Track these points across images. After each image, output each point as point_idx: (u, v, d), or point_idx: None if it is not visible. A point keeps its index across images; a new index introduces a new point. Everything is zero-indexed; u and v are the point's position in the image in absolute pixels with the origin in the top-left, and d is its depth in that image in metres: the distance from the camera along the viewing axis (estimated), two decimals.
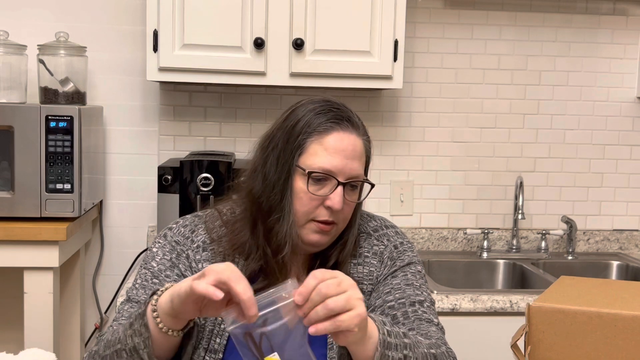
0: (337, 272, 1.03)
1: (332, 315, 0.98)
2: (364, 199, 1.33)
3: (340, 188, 1.25)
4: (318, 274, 1.01)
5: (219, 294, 0.97)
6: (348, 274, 1.33)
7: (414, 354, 1.11)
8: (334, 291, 0.99)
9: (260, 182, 1.28)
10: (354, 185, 1.28)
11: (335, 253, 1.33)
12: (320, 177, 1.25)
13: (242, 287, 0.97)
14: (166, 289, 1.09)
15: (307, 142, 1.26)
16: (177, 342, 1.11)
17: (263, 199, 1.27)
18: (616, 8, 2.68)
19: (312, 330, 0.98)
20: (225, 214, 1.35)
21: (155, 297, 1.09)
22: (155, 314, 1.07)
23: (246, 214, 1.31)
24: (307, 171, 1.25)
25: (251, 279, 1.26)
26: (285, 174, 1.26)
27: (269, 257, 1.28)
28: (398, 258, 1.36)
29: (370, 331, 1.07)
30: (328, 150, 1.25)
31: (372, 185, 1.33)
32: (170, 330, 1.07)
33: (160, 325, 1.07)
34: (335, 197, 1.24)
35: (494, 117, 2.66)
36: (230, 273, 0.98)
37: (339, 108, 1.29)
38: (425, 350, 1.15)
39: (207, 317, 1.07)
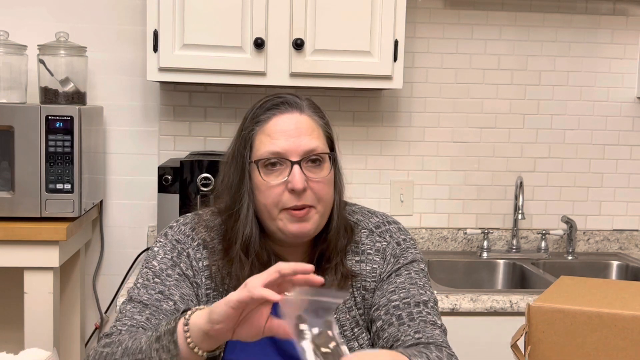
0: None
1: None
2: (331, 171, 1.29)
3: (296, 167, 1.23)
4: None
5: (276, 295, 0.99)
6: (349, 267, 1.33)
7: None
8: None
9: (227, 185, 1.31)
10: (315, 160, 1.26)
11: (327, 242, 1.31)
12: (272, 163, 1.24)
13: (294, 264, 1.02)
14: (199, 309, 1.08)
15: (253, 136, 1.27)
16: None
17: (231, 199, 1.30)
18: (616, 8, 2.68)
19: None
20: (223, 212, 1.35)
21: (187, 313, 1.08)
22: (187, 332, 1.06)
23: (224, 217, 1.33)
24: (254, 160, 1.25)
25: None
26: (240, 174, 1.28)
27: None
28: (401, 255, 1.36)
29: None
30: (272, 136, 1.25)
31: (334, 156, 1.29)
32: (200, 350, 1.06)
33: (190, 344, 1.06)
34: (294, 178, 1.23)
35: (494, 117, 2.66)
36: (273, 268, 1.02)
37: (280, 96, 1.30)
38: None
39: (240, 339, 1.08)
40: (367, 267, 1.34)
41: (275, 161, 1.24)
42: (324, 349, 1.01)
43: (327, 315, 1.03)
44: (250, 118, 1.29)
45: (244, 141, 1.28)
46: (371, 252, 1.36)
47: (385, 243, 1.37)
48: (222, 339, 1.06)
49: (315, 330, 1.02)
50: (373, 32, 2.26)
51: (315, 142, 1.26)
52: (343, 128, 2.58)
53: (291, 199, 1.24)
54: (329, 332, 1.02)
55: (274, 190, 1.24)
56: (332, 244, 1.31)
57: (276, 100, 1.29)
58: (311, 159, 1.25)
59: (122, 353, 1.14)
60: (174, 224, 1.36)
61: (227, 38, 2.21)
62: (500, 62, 2.65)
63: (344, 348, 1.03)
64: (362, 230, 1.38)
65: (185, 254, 1.31)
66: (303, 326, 1.02)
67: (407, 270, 1.34)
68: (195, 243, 1.32)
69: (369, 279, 1.34)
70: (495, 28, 2.64)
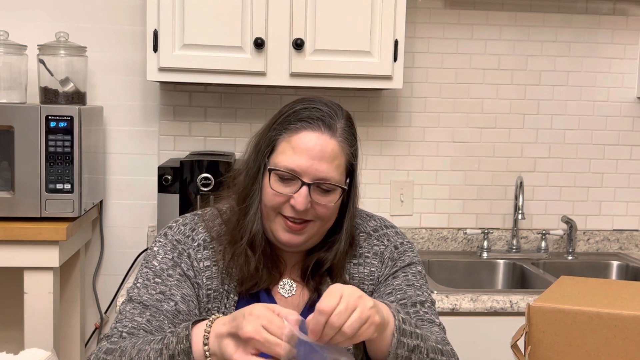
0: (338, 291, 1.03)
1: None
2: (338, 200, 1.28)
3: (304, 188, 1.23)
4: (324, 307, 1.01)
5: None
6: (348, 275, 1.33)
7: (425, 345, 1.14)
8: (344, 319, 1.00)
9: (242, 178, 1.32)
10: (325, 188, 1.25)
11: (326, 255, 1.32)
12: (285, 176, 1.25)
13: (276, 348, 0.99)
14: (209, 322, 1.08)
15: (278, 140, 1.27)
16: None
17: (243, 193, 1.30)
18: (616, 8, 2.68)
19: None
20: (225, 212, 1.35)
21: (203, 333, 1.07)
22: (207, 352, 1.06)
23: (234, 210, 1.33)
24: (268, 168, 1.26)
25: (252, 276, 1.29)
26: (255, 170, 1.29)
27: (253, 252, 1.29)
28: (399, 258, 1.36)
29: (386, 319, 1.09)
30: (295, 150, 1.24)
31: (344, 190, 1.28)
32: None
33: None
34: (299, 198, 1.23)
35: (494, 117, 2.66)
36: (266, 336, 0.99)
37: (319, 109, 1.26)
38: (434, 344, 1.17)
39: None
40: (365, 271, 1.35)
41: (289, 177, 1.24)
42: None
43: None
44: (283, 119, 1.28)
45: (269, 141, 1.28)
46: (369, 255, 1.36)
47: (383, 246, 1.37)
48: None
49: None
50: (373, 32, 2.26)
51: (332, 172, 1.24)
52: None
53: (290, 211, 1.25)
54: None
55: (277, 198, 1.25)
56: (335, 263, 1.31)
57: (313, 112, 1.26)
58: (321, 187, 1.25)
59: None
60: (173, 224, 1.36)
61: (227, 38, 2.21)
62: (500, 62, 2.65)
63: None
64: (360, 234, 1.38)
65: (185, 254, 1.31)
66: None
67: (404, 273, 1.35)
68: (196, 244, 1.32)
69: (367, 282, 1.34)
70: (495, 28, 2.64)
